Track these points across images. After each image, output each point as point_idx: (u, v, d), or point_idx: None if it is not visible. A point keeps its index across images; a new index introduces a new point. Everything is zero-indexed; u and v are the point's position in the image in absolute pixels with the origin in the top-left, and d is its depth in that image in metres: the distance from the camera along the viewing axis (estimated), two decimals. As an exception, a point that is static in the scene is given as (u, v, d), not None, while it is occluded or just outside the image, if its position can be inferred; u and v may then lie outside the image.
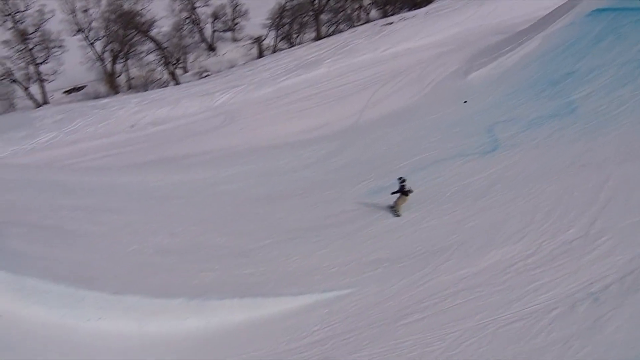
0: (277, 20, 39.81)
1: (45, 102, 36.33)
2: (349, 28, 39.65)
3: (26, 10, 37.08)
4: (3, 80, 36.47)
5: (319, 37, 39.65)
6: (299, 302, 9.00)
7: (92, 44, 38.59)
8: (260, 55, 39.55)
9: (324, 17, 41.33)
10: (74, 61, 37.63)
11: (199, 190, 14.03)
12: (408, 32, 30.80)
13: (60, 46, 37.39)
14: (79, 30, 38.81)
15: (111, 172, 15.57)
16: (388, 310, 8.59)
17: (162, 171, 15.48)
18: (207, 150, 18.64)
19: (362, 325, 8.22)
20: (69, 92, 39.92)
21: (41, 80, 37.15)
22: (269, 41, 40.45)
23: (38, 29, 37.08)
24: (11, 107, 36.93)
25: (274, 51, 38.94)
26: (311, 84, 25.51)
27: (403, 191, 11.82)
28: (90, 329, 7.67)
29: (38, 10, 37.05)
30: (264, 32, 40.71)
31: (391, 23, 34.48)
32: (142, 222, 11.18)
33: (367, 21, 41.48)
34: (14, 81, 36.53)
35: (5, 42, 35.95)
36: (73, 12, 38.68)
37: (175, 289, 8.72)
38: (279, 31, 40.23)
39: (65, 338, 7.28)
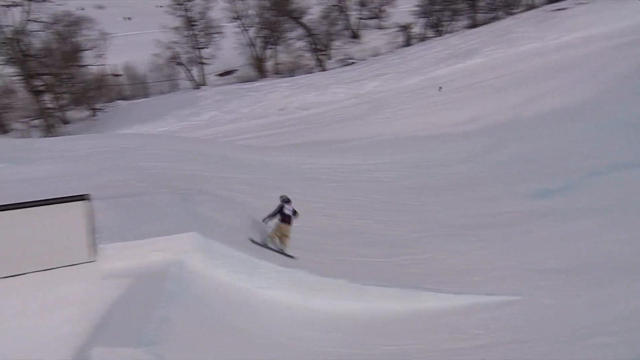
0: (427, 7, 39.01)
1: (204, 84, 41.18)
2: (508, 15, 37.05)
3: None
4: (171, 63, 42.42)
5: (474, 25, 37.86)
6: (459, 302, 8.81)
7: (246, 30, 42.47)
8: (408, 43, 39.32)
9: (480, 3, 39.31)
10: (228, 46, 41.90)
11: (349, 176, 14.54)
12: (585, 19, 27.56)
13: (219, 32, 41.99)
14: (236, 18, 43.03)
15: (267, 151, 16.99)
16: (564, 327, 7.92)
17: (313, 154, 16.40)
18: (354, 137, 19.22)
19: (533, 337, 7.73)
20: (222, 75, 44.69)
21: (202, 64, 42.20)
22: (417, 29, 39.98)
23: (203, 16, 42.06)
24: (174, 87, 42.77)
25: (423, 39, 38.32)
26: (464, 75, 24.49)
27: (283, 214, 8.79)
28: (262, 295, 8.44)
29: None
30: (411, 19, 40.32)
31: (564, 9, 31.19)
32: (301, 201, 11.94)
33: (531, 7, 38.24)
34: (180, 64, 42.12)
35: (175, 28, 41.50)
36: (232, 0, 42.95)
37: (337, 270, 9.17)
38: (429, 19, 39.48)
39: (243, 301, 8.11)
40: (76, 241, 7.62)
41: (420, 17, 40.06)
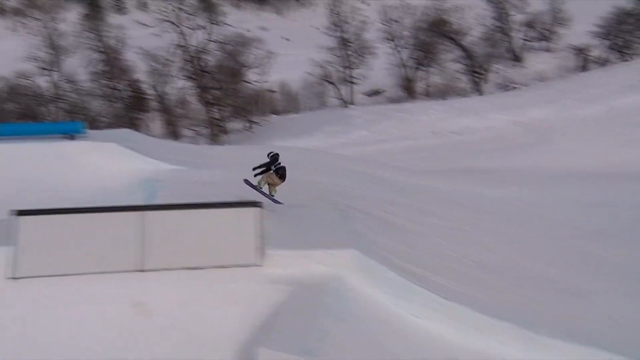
0: (611, 27, 34.91)
1: (352, 103, 42.71)
2: None
3: (351, 21, 44.47)
4: (322, 81, 44.99)
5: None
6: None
7: (398, 51, 43.07)
8: (585, 68, 35.58)
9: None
10: (378, 66, 42.90)
11: (513, 209, 13.42)
12: None
13: (372, 53, 43.33)
14: (390, 39, 43.97)
15: (419, 175, 16.70)
16: None
17: (471, 182, 15.61)
18: (517, 167, 17.83)
19: None
20: (370, 94, 45.86)
21: (351, 83, 43.92)
22: (596, 52, 36.00)
23: (358, 37, 43.89)
24: (322, 104, 45.18)
25: (604, 64, 34.33)
26: (660, 106, 21.11)
27: (269, 168, 9.89)
28: (417, 324, 8.07)
29: (362, 21, 43.85)
30: (589, 41, 36.47)
31: None
32: (458, 230, 11.35)
33: None
34: (330, 82, 44.40)
35: (330, 48, 43.99)
36: (388, 21, 44.02)
37: (500, 310, 8.39)
38: (613, 40, 35.25)
39: (398, 327, 7.85)
40: (246, 244, 8.24)
41: (601, 39, 35.97)
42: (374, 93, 45.54)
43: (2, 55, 62.68)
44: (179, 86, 38.18)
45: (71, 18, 63.72)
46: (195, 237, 8.32)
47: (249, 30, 48.92)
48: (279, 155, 10.24)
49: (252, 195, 10.13)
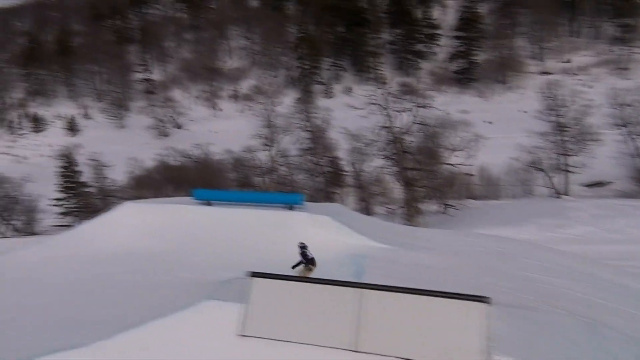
0: None
1: (566, 193, 38.33)
2: None
3: (570, 105, 41.03)
4: (529, 168, 41.79)
5: None
6: None
7: (632, 138, 37.71)
8: None
9: None
10: (603, 155, 37.99)
11: None
12: None
13: (596, 140, 38.76)
14: (620, 125, 38.97)
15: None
16: None
17: None
18: None
19: None
20: (591, 185, 40.62)
21: (567, 172, 39.68)
22: None
23: (578, 122, 40.02)
24: (528, 192, 41.59)
25: None
26: None
27: (307, 259, 10.77)
28: None
29: (584, 105, 40.12)
30: None
31: None
32: None
33: None
34: (540, 169, 40.89)
35: (543, 133, 40.99)
36: (619, 105, 39.30)
37: None
38: None
39: None
40: (470, 344, 7.45)
41: None
42: (596, 184, 40.24)
43: (233, 133, 76.56)
44: (376, 165, 40.13)
45: (287, 102, 74.79)
46: (413, 324, 7.90)
47: (448, 113, 49.51)
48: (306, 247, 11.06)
49: (475, 286, 9.32)
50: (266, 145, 44.34)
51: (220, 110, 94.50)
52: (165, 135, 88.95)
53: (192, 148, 54.11)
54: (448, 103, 55.96)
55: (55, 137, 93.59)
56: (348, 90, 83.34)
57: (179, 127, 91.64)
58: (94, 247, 13.49)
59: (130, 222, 14.30)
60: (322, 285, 8.55)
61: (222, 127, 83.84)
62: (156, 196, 47.39)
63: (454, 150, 38.70)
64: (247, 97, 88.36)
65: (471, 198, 40.83)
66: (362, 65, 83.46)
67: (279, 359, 7.87)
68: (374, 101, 35.06)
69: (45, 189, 51.11)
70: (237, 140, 63.60)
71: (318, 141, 45.69)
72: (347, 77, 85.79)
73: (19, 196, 48.99)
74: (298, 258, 12.08)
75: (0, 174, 52.67)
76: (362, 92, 65.23)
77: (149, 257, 12.73)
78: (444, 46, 79.01)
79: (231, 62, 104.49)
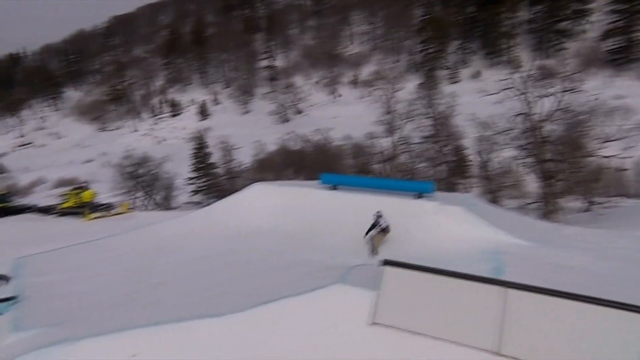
0: None
1: None
2: None
3: None
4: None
5: None
6: None
7: None
8: None
9: None
10: None
11: None
12: None
13: None
14: None
15: None
16: None
17: None
18: None
19: None
20: None
21: None
22: None
23: None
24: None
25: None
26: None
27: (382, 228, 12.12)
28: None
29: None
30: None
31: None
32: None
33: None
34: None
35: None
36: None
37: None
38: None
39: None
40: (630, 360, 6.53)
41: None
42: None
43: (353, 118, 77.28)
44: (507, 155, 37.38)
45: (409, 87, 73.09)
46: (565, 332, 7.12)
47: (598, 99, 44.19)
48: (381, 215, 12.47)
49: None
50: (387, 132, 43.79)
51: (340, 96, 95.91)
52: (286, 120, 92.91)
53: (312, 133, 55.64)
54: (599, 87, 49.83)
55: (188, 121, 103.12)
56: (476, 75, 78.85)
57: (299, 112, 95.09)
58: (226, 225, 14.40)
59: (260, 202, 15.00)
60: (462, 279, 8.07)
61: (341, 113, 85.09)
62: (277, 179, 49.77)
63: (606, 140, 34.35)
64: (367, 83, 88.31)
65: (623, 195, 36.03)
66: (493, 47, 78.23)
67: (412, 351, 7.63)
68: (510, 86, 32.40)
69: (180, 168, 56.53)
70: (357, 126, 63.94)
71: (441, 128, 43.94)
72: (476, 61, 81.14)
73: (160, 174, 54.78)
74: (426, 249, 11.65)
75: (144, 154, 59.41)
76: (494, 76, 61.23)
77: (277, 237, 13.24)
78: (596, 22, 70.51)
79: (352, 48, 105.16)
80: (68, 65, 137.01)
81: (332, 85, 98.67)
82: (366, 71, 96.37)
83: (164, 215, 37.00)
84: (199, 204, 53.23)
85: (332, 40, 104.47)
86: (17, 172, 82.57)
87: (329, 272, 10.15)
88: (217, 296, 9.71)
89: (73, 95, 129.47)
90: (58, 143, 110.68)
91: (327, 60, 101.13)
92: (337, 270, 10.04)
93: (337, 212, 13.75)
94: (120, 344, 7.80)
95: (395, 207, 13.37)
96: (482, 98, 59.44)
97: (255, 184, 16.41)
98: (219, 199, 53.16)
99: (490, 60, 78.54)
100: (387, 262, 8.73)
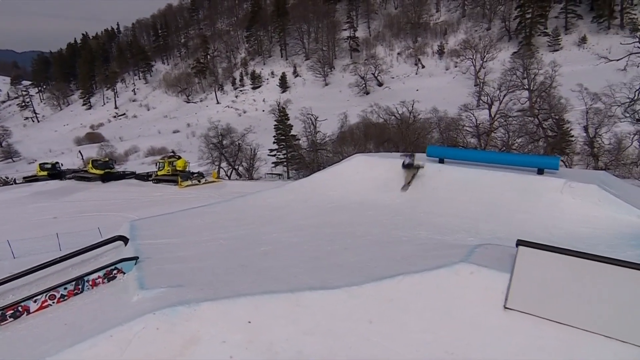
0: None
1: None
2: None
3: None
4: None
5: None
6: None
7: None
8: None
9: None
10: None
11: None
12: None
13: None
14: None
15: None
16: None
17: None
18: None
19: None
20: None
21: None
22: None
23: None
24: None
25: None
26: None
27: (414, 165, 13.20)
28: None
29: None
30: None
31: None
32: None
33: None
34: None
35: None
36: None
37: None
38: None
39: None
40: None
41: None
42: None
43: (437, 90, 74.47)
44: (620, 129, 33.98)
45: (502, 56, 68.63)
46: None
47: None
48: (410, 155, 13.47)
49: None
50: (481, 104, 41.54)
51: (423, 67, 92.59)
52: (367, 92, 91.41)
53: (395, 106, 54.23)
54: None
55: (268, 93, 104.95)
56: (582, 41, 72.23)
57: (380, 84, 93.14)
58: (328, 196, 14.12)
59: (362, 174, 14.52)
60: (612, 265, 7.12)
61: (425, 85, 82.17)
62: (358, 152, 49.24)
63: None
64: (454, 53, 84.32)
65: None
66: (604, 10, 70.98)
67: (553, 342, 6.90)
68: (636, 51, 28.81)
69: (261, 140, 57.78)
70: (442, 99, 61.45)
71: (541, 101, 40.85)
72: (581, 26, 74.20)
73: (243, 145, 56.38)
74: (552, 231, 10.64)
75: (227, 125, 61.39)
76: (604, 42, 55.70)
77: (381, 211, 12.74)
78: None
79: (438, 16, 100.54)
80: (157, 39, 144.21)
81: (415, 56, 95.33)
82: (453, 40, 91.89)
83: (252, 185, 38.17)
84: (279, 176, 54.28)
85: (417, 8, 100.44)
86: (113, 141, 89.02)
87: (443, 250, 9.51)
88: (325, 268, 9.45)
89: (161, 68, 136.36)
90: (148, 114, 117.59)
91: (411, 29, 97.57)
92: (453, 248, 9.39)
93: (444, 187, 12.95)
94: (237, 310, 7.78)
95: (513, 184, 12.29)
96: (593, 66, 54.39)
97: (357, 155, 15.93)
98: (300, 171, 53.54)
99: (599, 24, 71.48)
100: (522, 243, 7.94)
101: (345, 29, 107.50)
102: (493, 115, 40.43)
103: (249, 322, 7.66)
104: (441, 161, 14.15)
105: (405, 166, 13.36)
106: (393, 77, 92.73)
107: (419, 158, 14.64)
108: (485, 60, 66.32)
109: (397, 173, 14.06)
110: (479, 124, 40.11)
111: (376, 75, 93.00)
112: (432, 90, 75.20)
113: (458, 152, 15.63)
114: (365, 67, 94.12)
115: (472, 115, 40.55)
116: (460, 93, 48.40)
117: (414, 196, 13.12)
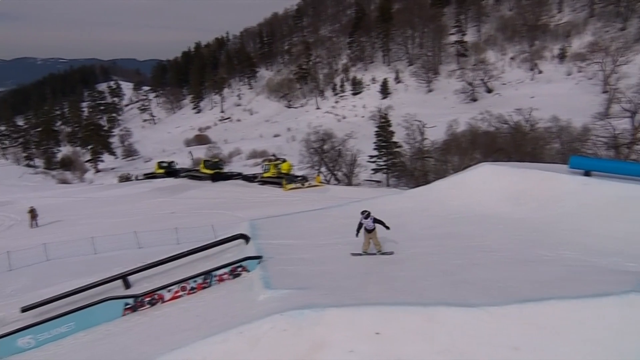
0: None
1: None
2: None
3: None
4: None
5: None
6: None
7: None
8: None
9: None
10: None
11: None
12: None
13: None
14: None
15: None
16: None
17: None
18: None
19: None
20: None
21: None
22: None
23: None
24: None
25: None
26: None
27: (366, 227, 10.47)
28: None
29: None
30: None
31: None
32: None
33: None
34: None
35: None
36: None
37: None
38: None
39: None
40: None
41: None
42: None
43: (556, 97, 69.10)
44: None
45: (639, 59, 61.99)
46: None
47: None
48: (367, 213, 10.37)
49: None
50: (622, 112, 37.45)
51: (540, 72, 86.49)
52: (474, 99, 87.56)
53: (509, 114, 51.05)
54: None
55: (369, 99, 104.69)
56: None
57: (489, 91, 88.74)
58: (450, 205, 13.36)
59: (489, 184, 13.55)
60: None
61: (541, 92, 76.61)
62: (461, 161, 46.90)
63: None
64: (578, 57, 77.74)
65: None
66: None
67: None
68: None
69: (361, 146, 57.53)
70: (562, 106, 56.80)
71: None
72: None
73: (343, 151, 56.55)
74: None
75: (327, 130, 61.96)
76: None
77: (515, 225, 11.71)
78: None
79: (561, 17, 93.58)
80: (262, 46, 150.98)
81: (531, 60, 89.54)
82: (578, 43, 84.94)
83: (356, 191, 38.06)
84: (378, 182, 53.57)
85: (535, 9, 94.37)
86: (219, 143, 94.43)
87: (598, 275, 8.40)
88: (455, 283, 8.77)
89: (265, 74, 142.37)
90: (251, 118, 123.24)
91: (528, 32, 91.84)
92: (612, 274, 8.24)
93: (592, 203, 11.57)
94: (364, 319, 7.43)
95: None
96: None
97: (485, 163, 14.99)
98: (401, 179, 52.01)
99: None
100: None
101: (452, 33, 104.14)
102: (637, 125, 36.27)
103: (377, 333, 7.29)
104: (587, 174, 12.71)
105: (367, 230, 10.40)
106: (504, 84, 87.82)
107: (548, 168, 13.34)
108: (617, 64, 60.11)
109: (531, 184, 12.90)
110: (618, 133, 36.08)
111: (485, 81, 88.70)
112: (550, 97, 69.89)
113: (610, 163, 13.93)
114: (474, 73, 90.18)
115: (609, 124, 36.54)
116: (584, 100, 44.14)
117: (552, 212, 11.89)
